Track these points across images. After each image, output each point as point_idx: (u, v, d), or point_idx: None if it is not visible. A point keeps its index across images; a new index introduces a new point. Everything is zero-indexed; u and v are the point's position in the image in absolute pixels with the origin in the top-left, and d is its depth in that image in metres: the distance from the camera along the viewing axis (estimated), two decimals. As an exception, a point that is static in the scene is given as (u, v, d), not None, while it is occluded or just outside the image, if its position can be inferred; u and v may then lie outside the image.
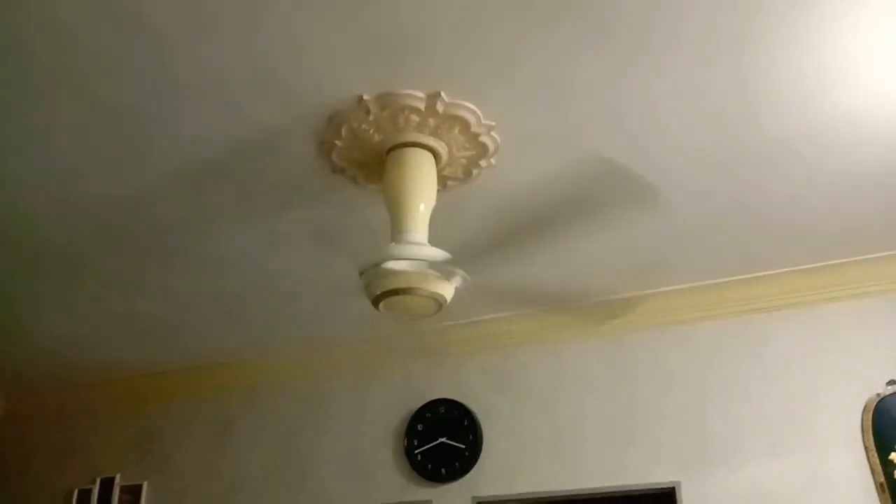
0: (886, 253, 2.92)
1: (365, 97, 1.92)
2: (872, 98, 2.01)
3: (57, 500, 4.08)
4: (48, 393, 4.33)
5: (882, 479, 2.72)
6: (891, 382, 2.83)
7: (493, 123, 2.05)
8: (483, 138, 2.08)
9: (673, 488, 3.03)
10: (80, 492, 4.03)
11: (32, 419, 4.38)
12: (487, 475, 3.34)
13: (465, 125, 2.02)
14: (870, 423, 2.81)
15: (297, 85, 1.88)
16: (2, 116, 1.99)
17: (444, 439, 3.45)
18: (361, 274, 1.98)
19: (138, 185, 2.33)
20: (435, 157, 2.09)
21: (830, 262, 2.98)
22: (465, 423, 3.44)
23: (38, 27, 1.68)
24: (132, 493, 3.95)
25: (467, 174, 2.26)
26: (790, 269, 3.03)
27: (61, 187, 2.33)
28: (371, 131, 2.02)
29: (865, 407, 2.83)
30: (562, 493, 3.21)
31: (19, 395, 4.38)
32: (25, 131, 2.06)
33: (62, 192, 2.35)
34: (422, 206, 2.03)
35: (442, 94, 1.92)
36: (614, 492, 3.14)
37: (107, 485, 3.99)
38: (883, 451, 2.75)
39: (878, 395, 2.83)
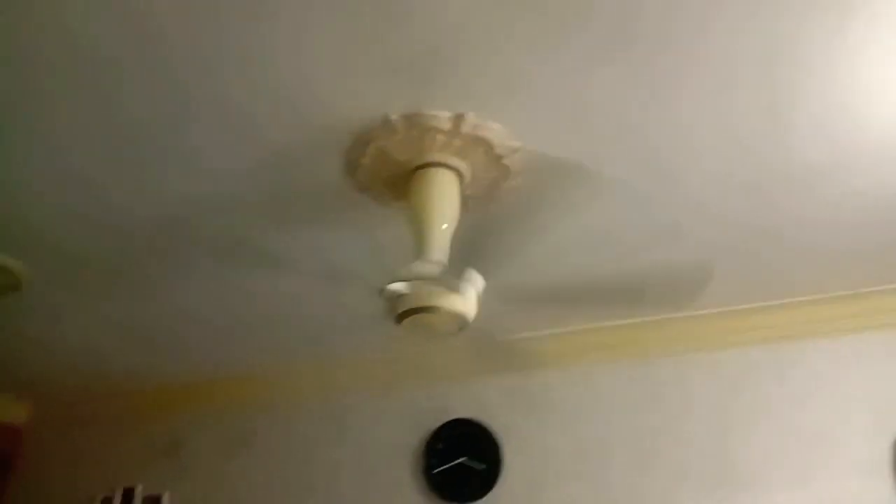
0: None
1: (392, 117, 1.94)
2: (887, 126, 1.99)
3: (79, 509, 4.13)
4: (73, 402, 4.39)
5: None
6: (921, 414, 2.77)
7: (518, 145, 2.06)
8: (507, 160, 2.09)
9: (695, 516, 2.98)
10: (103, 500, 4.07)
11: (58, 427, 4.45)
12: (507, 497, 3.32)
13: (489, 146, 2.03)
14: (900, 454, 2.75)
15: (324, 104, 1.91)
16: (21, 126, 2.01)
17: (463, 459, 3.43)
18: (384, 292, 2.00)
19: (159, 202, 2.36)
20: (459, 177, 2.11)
21: (859, 291, 2.95)
22: (486, 443, 3.42)
23: (54, 39, 1.70)
24: (153, 502, 3.98)
25: (490, 195, 2.26)
26: (818, 296, 3.00)
27: (81, 201, 2.36)
28: (397, 151, 2.04)
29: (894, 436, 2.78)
30: (582, 518, 3.17)
31: (45, 403, 4.46)
32: (42, 143, 2.08)
33: (83, 205, 2.38)
34: (445, 226, 2.04)
35: (467, 115, 1.94)
36: (635, 517, 3.10)
37: (128, 494, 4.03)
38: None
39: (909, 426, 2.77)
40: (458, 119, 1.94)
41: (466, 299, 1.97)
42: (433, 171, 2.06)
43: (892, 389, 2.86)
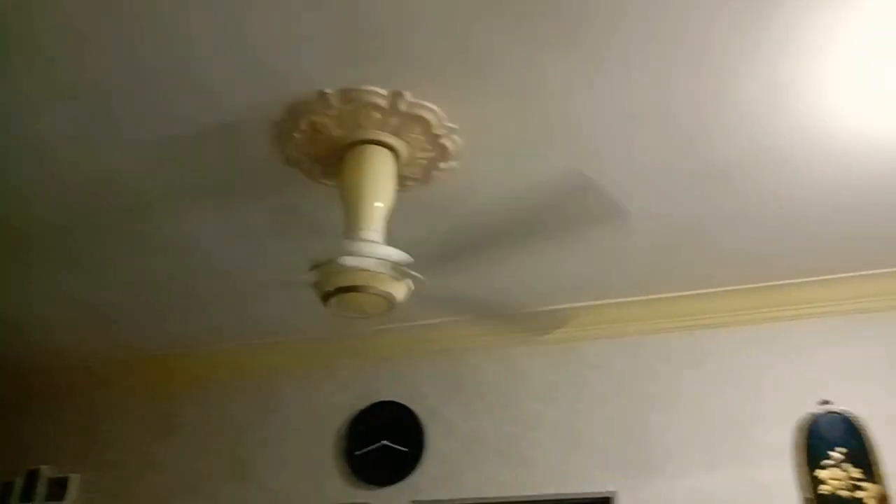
0: (828, 276, 3.03)
1: (327, 91, 1.89)
2: (827, 117, 2.07)
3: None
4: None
5: (810, 494, 2.81)
6: (823, 402, 2.93)
7: (455, 126, 2.05)
8: (444, 140, 2.08)
9: (609, 498, 3.07)
10: (4, 485, 3.85)
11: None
12: (429, 479, 3.33)
13: (426, 126, 2.01)
14: (802, 440, 2.90)
15: (260, 73, 1.85)
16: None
17: (385, 442, 3.42)
18: (312, 269, 1.95)
19: (100, 165, 2.25)
20: (395, 156, 2.08)
21: (772, 283, 3.08)
22: (409, 425, 3.42)
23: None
24: (59, 485, 3.78)
25: (427, 176, 2.25)
26: (735, 287, 3.12)
27: (26, 165, 2.24)
28: (331, 126, 1.99)
29: (798, 425, 2.93)
30: (503, 499, 3.22)
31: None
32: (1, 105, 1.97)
33: (25, 170, 2.26)
34: (378, 205, 2.01)
35: (405, 93, 1.91)
36: (555, 498, 3.16)
37: (32, 476, 3.82)
38: (812, 467, 2.85)
39: (811, 413, 2.93)
40: (396, 96, 1.91)
41: (395, 281, 1.95)
42: (368, 148, 2.03)
43: (799, 376, 3.02)
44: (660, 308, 3.26)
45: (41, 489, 3.78)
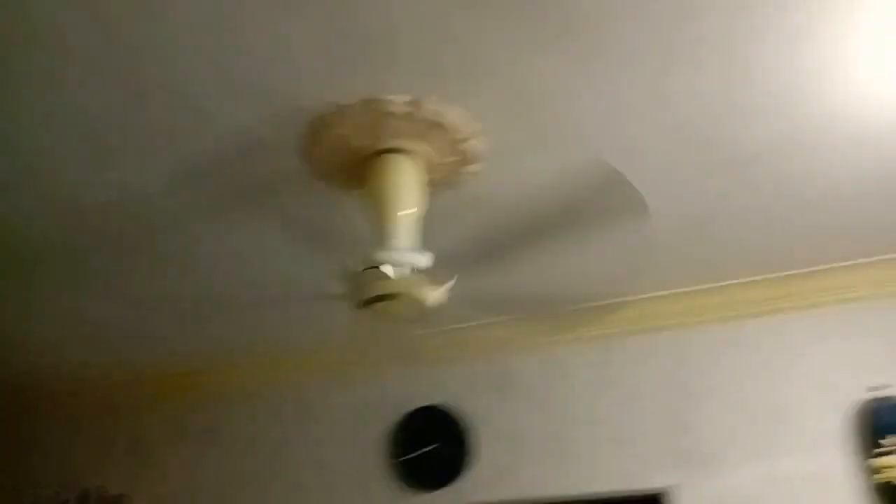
0: (871, 259, 2.94)
1: (346, 102, 1.92)
2: (853, 101, 2.02)
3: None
4: (29, 396, 4.26)
5: (865, 482, 2.74)
6: (875, 388, 2.85)
7: (476, 129, 2.05)
8: (465, 144, 2.08)
9: (661, 494, 3.03)
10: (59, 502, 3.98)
11: (11, 423, 4.32)
12: (478, 481, 3.34)
13: (448, 131, 2.02)
14: (854, 428, 2.83)
15: (276, 91, 1.88)
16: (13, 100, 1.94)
17: (433, 446, 3.44)
18: (347, 279, 1.98)
19: (119, 187, 2.30)
20: (418, 163, 2.09)
21: (816, 268, 3.01)
22: (455, 429, 3.43)
23: (13, 26, 1.66)
24: (112, 503, 3.90)
25: (452, 180, 2.25)
26: (777, 274, 3.06)
27: (39, 187, 2.30)
28: (353, 137, 2.02)
29: (850, 412, 2.86)
30: (553, 498, 3.20)
31: (2, 397, 4.32)
32: (3, 129, 2.03)
33: (40, 192, 2.32)
34: (405, 212, 2.03)
35: (424, 99, 1.92)
36: (606, 496, 3.14)
37: (85, 494, 3.94)
38: (867, 455, 2.77)
39: (863, 400, 2.85)
40: (414, 103, 1.92)
41: (429, 286, 1.97)
42: (391, 156, 2.04)
43: (844, 364, 2.94)
44: (702, 299, 3.20)
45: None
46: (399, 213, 2.00)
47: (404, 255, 1.94)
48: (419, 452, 3.45)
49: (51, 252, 2.71)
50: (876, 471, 2.74)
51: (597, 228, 2.53)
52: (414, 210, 2.05)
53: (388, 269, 1.92)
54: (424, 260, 1.94)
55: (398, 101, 1.91)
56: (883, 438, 2.76)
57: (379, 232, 2.01)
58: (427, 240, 2.07)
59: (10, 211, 2.41)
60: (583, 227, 2.42)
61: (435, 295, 2.00)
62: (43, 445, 4.23)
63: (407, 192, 2.03)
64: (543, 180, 2.32)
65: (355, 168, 2.11)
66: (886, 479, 2.71)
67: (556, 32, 1.73)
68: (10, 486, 4.17)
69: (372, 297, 1.95)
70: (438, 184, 2.26)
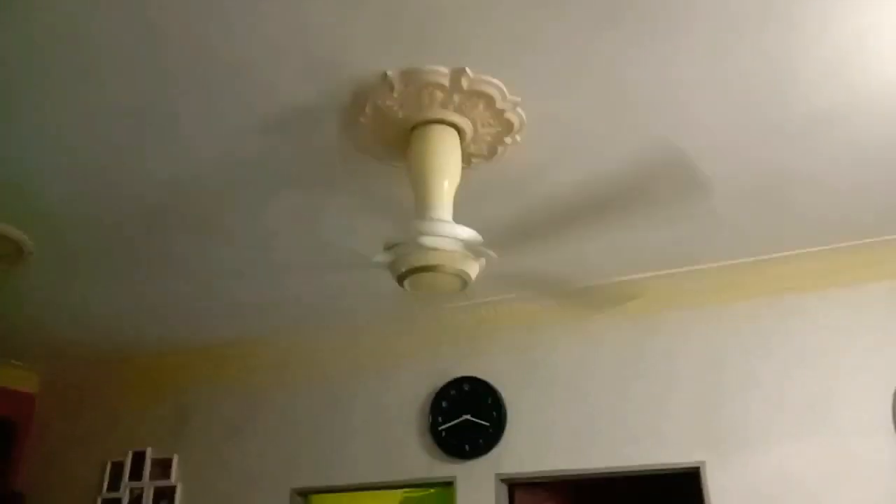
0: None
1: (389, 73, 1.91)
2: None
3: (92, 471, 4.20)
4: (82, 368, 4.44)
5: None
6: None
7: (519, 99, 2.02)
8: (508, 114, 2.06)
9: (698, 468, 3.02)
10: (113, 464, 4.14)
11: (68, 395, 4.51)
12: (511, 453, 3.36)
13: (489, 101, 2.00)
14: (899, 408, 2.76)
15: (321, 61, 1.87)
16: (29, 110, 2.04)
17: (468, 416, 3.47)
18: (386, 251, 1.99)
19: (173, 166, 2.35)
20: (460, 134, 2.08)
21: (859, 242, 2.92)
22: (490, 400, 3.45)
23: (59, 33, 1.70)
24: (163, 465, 4.04)
25: (492, 152, 2.24)
26: (822, 247, 2.98)
27: (102, 169, 2.36)
28: (395, 108, 2.01)
29: (893, 395, 2.78)
30: (585, 472, 3.22)
31: (56, 369, 4.51)
32: (49, 123, 2.10)
33: (102, 173, 2.39)
34: (446, 184, 2.02)
35: (467, 69, 1.90)
36: (639, 470, 3.14)
37: (139, 457, 4.10)
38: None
39: (910, 378, 2.78)
40: (457, 74, 1.91)
41: (468, 258, 1.96)
42: (433, 127, 2.04)
43: (890, 345, 2.86)
44: (744, 273, 3.14)
45: (147, 469, 4.05)
46: (442, 185, 1.99)
47: (445, 228, 1.93)
48: (455, 422, 3.49)
49: (106, 235, 2.80)
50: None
51: (636, 203, 2.49)
52: (455, 181, 2.04)
53: (428, 241, 1.92)
54: (466, 233, 1.94)
55: (442, 70, 1.90)
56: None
57: (420, 204, 2.01)
58: (468, 213, 2.07)
59: (73, 191, 2.49)
60: (641, 208, 2.37)
61: (474, 268, 2.00)
62: (95, 413, 4.39)
63: (449, 164, 2.02)
64: (588, 154, 2.28)
65: (398, 139, 2.11)
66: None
67: (611, 6, 1.68)
68: (70, 454, 4.35)
69: (412, 268, 1.96)
70: (480, 155, 2.24)
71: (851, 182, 2.50)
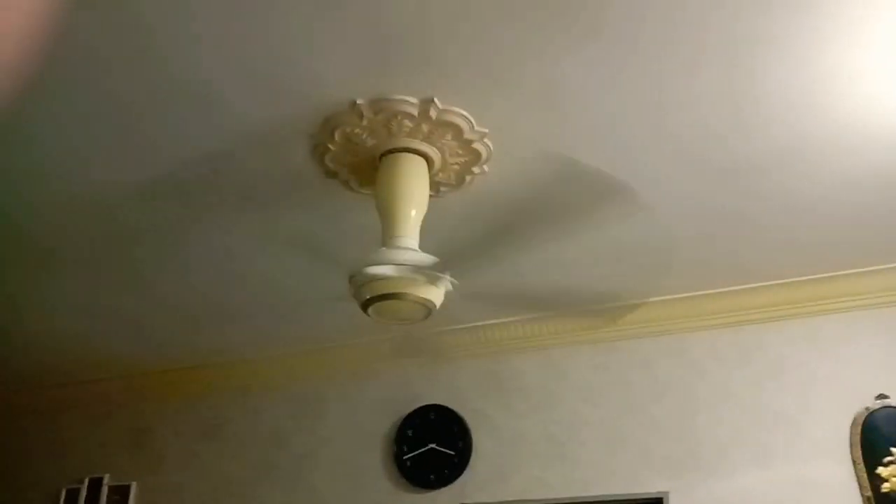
0: (876, 267, 2.93)
1: (359, 101, 1.93)
2: (864, 110, 2.02)
3: (45, 499, 4.06)
4: (39, 389, 4.31)
5: (869, 492, 2.72)
6: (880, 396, 2.84)
7: (486, 130, 2.05)
8: (476, 145, 2.09)
9: (661, 498, 3.03)
10: (68, 491, 4.02)
11: (23, 416, 4.37)
12: (476, 481, 3.34)
13: (457, 131, 2.03)
14: (858, 437, 2.81)
15: (291, 87, 1.89)
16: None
17: (433, 445, 3.45)
18: (351, 279, 1.99)
19: (133, 184, 2.32)
20: (428, 162, 2.10)
21: (821, 275, 3.00)
22: (455, 429, 3.44)
23: None
24: (121, 493, 3.93)
25: (460, 181, 2.26)
26: (781, 280, 3.05)
27: (56, 183, 2.33)
28: (364, 136, 2.03)
29: (854, 420, 2.84)
30: (550, 501, 3.21)
31: (9, 391, 4.37)
32: (22, 124, 2.05)
33: (57, 188, 2.35)
34: (413, 212, 2.03)
35: (435, 100, 1.93)
36: (604, 499, 3.13)
37: (95, 485, 3.98)
38: (870, 464, 2.76)
39: (867, 408, 2.84)
40: (426, 104, 1.93)
41: (432, 286, 1.97)
42: (401, 156, 2.05)
43: (851, 371, 2.93)
44: (704, 304, 3.20)
45: (104, 496, 3.94)
46: (408, 213, 2.00)
47: (411, 256, 1.94)
48: (419, 451, 3.46)
49: (64, 247, 2.74)
50: (884, 479, 2.72)
51: (599, 229, 2.53)
52: (423, 210, 2.06)
53: (393, 269, 1.92)
54: (428, 260, 1.95)
55: (410, 100, 1.92)
56: (892, 447, 2.75)
57: (386, 231, 2.02)
58: (431, 240, 2.08)
59: (26, 206, 2.44)
60: (585, 226, 2.42)
61: (439, 296, 2.00)
62: (49, 438, 4.27)
63: (417, 192, 2.04)
64: (552, 181, 2.32)
65: (366, 167, 2.13)
66: (892, 489, 2.70)
67: (578, 32, 1.73)
68: (21, 480, 4.21)
69: (375, 296, 1.96)
70: (448, 184, 2.26)
71: (817, 215, 2.57)
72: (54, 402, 4.31)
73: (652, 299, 3.20)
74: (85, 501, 3.95)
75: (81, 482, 4.00)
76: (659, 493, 3.04)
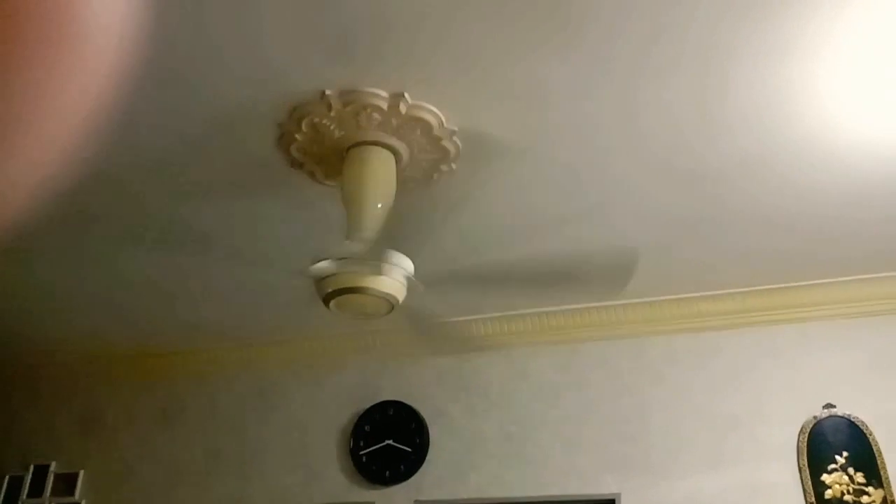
0: (832, 279, 3.01)
1: (328, 92, 1.90)
2: (829, 125, 2.06)
3: (-13, 485, 3.94)
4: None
5: (812, 498, 2.80)
6: (827, 406, 2.91)
7: (456, 128, 2.05)
8: (445, 142, 2.08)
9: (614, 500, 3.07)
10: (11, 478, 3.90)
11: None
12: (432, 479, 3.34)
13: (427, 128, 2.01)
14: (805, 444, 2.89)
15: (258, 74, 1.85)
16: None
17: (390, 441, 3.43)
18: (312, 271, 1.96)
19: (94, 164, 2.25)
20: (395, 157, 2.08)
21: (779, 285, 3.07)
22: (413, 425, 3.43)
23: None
24: (68, 480, 3.83)
25: (427, 177, 2.25)
26: (739, 289, 3.11)
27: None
28: (332, 127, 2.00)
29: (802, 428, 2.91)
30: (504, 500, 3.22)
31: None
32: None
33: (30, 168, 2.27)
34: (379, 206, 2.02)
35: (406, 94, 1.91)
36: (558, 499, 3.16)
37: (41, 472, 3.87)
38: (816, 471, 2.83)
39: (815, 417, 2.91)
40: (396, 98, 1.92)
41: (395, 281, 1.96)
42: (369, 149, 2.03)
43: (803, 379, 3.01)
44: (664, 310, 3.25)
45: (49, 484, 3.83)
46: (373, 207, 1.99)
47: (374, 250, 1.92)
48: (376, 447, 3.44)
49: (27, 224, 2.65)
50: (827, 486, 2.79)
51: (563, 234, 2.55)
52: (388, 204, 2.04)
53: (355, 263, 1.90)
54: (395, 257, 1.93)
55: (381, 94, 1.90)
56: (837, 454, 2.83)
57: (351, 224, 2.00)
58: (399, 238, 2.06)
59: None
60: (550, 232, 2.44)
61: (402, 291, 1.99)
62: (2, 422, 4.15)
63: (383, 186, 2.02)
64: (520, 184, 2.32)
65: (333, 158, 2.10)
66: (835, 496, 2.78)
67: (555, 37, 1.73)
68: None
69: (337, 289, 1.94)
70: (415, 179, 2.25)
71: (776, 227, 2.62)
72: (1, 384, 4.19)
73: (613, 302, 3.24)
74: (29, 490, 3.83)
75: (26, 469, 3.89)
76: (612, 494, 3.08)
